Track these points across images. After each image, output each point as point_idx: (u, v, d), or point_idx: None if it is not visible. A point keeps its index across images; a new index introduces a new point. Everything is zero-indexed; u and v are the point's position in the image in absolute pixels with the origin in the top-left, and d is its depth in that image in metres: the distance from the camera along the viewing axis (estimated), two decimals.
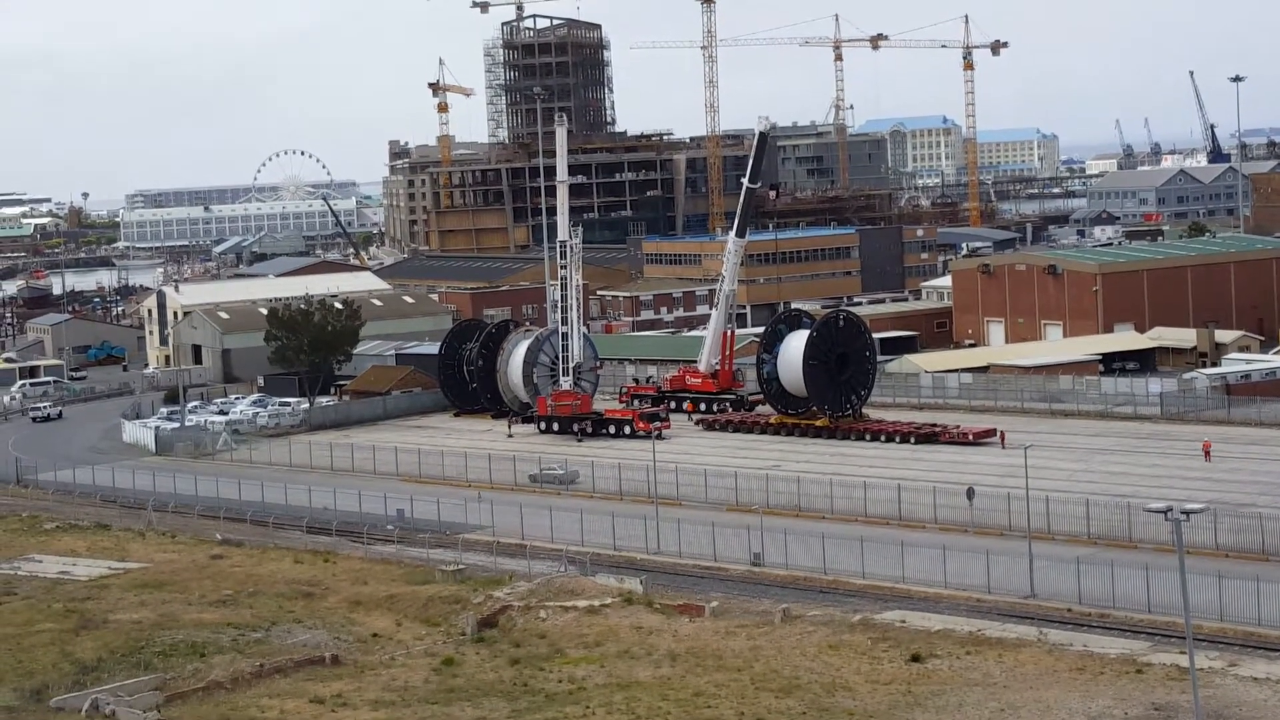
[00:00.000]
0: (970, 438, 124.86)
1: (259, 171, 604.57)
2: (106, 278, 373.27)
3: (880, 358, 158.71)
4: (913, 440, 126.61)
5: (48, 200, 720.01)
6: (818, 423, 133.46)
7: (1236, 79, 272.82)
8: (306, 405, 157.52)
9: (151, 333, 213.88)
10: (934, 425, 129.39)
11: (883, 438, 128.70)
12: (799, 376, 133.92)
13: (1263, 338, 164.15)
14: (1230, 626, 73.26)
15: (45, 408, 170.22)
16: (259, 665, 72.69)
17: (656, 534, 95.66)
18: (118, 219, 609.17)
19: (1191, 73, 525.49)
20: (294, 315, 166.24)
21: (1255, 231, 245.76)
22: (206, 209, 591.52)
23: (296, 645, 76.15)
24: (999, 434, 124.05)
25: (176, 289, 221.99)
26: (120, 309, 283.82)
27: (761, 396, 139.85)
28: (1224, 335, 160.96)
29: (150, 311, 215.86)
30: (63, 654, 76.28)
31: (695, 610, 78.71)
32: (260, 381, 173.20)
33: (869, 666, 69.17)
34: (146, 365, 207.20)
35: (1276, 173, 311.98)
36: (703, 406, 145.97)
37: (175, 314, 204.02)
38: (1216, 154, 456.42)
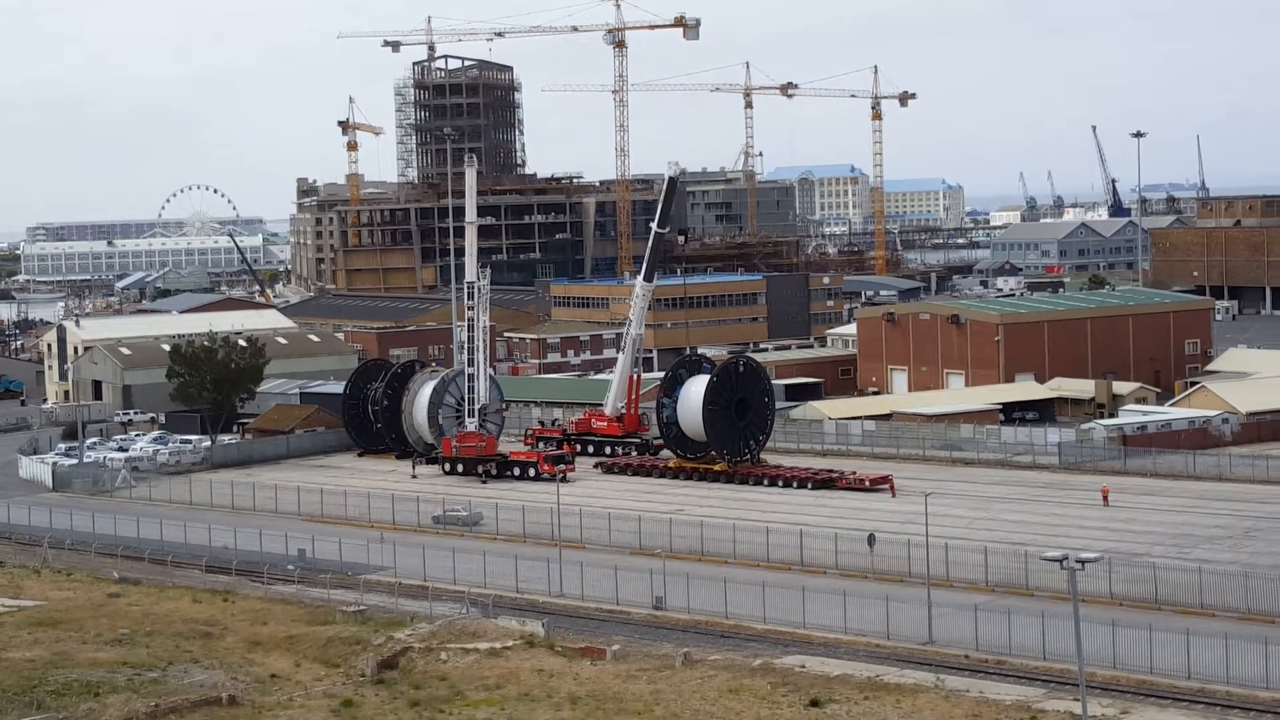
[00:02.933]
0: (867, 484, 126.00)
1: (164, 206, 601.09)
2: (5, 311, 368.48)
3: (785, 404, 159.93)
4: (810, 486, 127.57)
5: None
6: (716, 467, 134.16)
7: (1138, 135, 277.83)
8: (208, 443, 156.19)
9: (51, 367, 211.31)
10: (831, 471, 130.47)
11: (780, 483, 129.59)
12: (699, 421, 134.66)
13: (1159, 390, 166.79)
14: (1123, 674, 74.23)
15: None
16: (154, 705, 71.87)
17: (559, 576, 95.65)
18: (18, 251, 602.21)
19: (1094, 128, 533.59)
20: (197, 352, 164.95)
21: (1154, 285, 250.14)
22: (110, 243, 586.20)
23: (193, 685, 75.37)
24: (889, 482, 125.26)
25: (77, 323, 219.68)
26: (19, 343, 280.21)
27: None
28: (1122, 387, 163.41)
29: (50, 346, 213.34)
30: None
31: (597, 653, 78.74)
32: (161, 418, 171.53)
33: (768, 711, 69.46)
34: (45, 400, 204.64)
35: (1175, 228, 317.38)
36: (607, 450, 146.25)
37: (76, 349, 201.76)
38: (1117, 208, 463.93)
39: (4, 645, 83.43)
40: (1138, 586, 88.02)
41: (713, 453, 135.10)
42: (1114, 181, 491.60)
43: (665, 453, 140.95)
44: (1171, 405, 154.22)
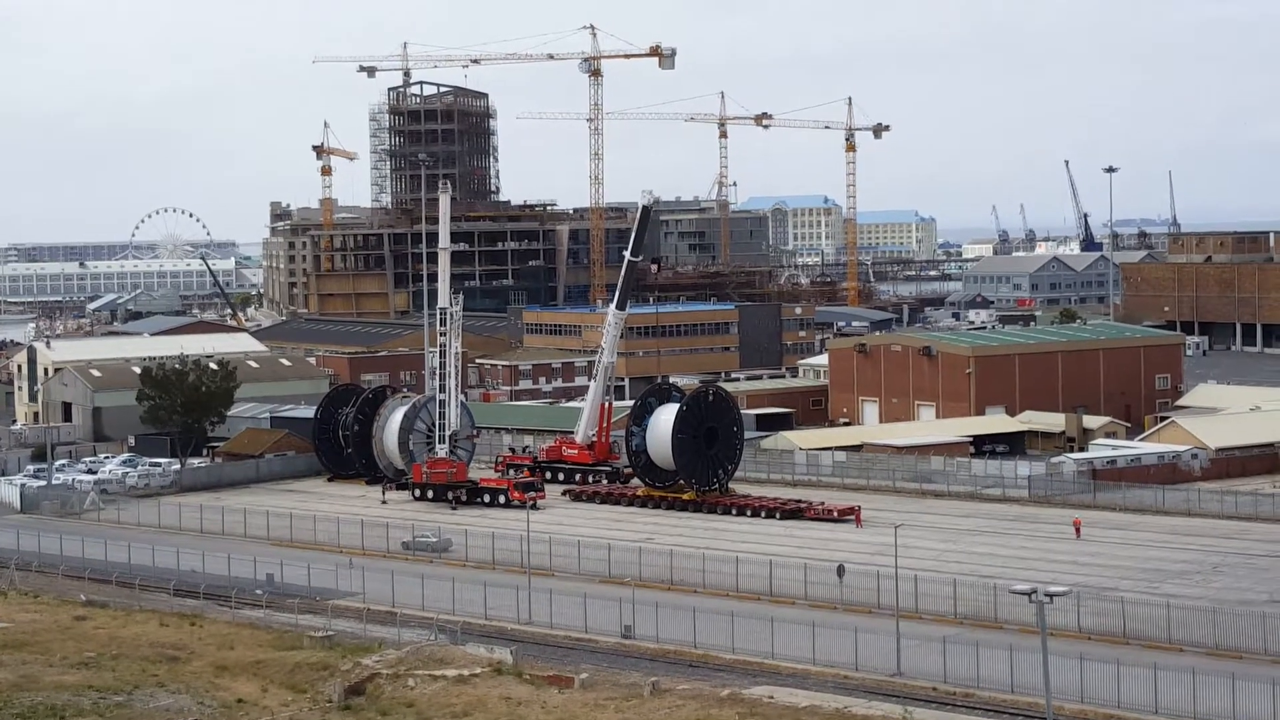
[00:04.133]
0: (834, 514, 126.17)
1: (137, 228, 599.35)
2: None
3: (756, 434, 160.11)
4: (778, 515, 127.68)
5: None
6: (685, 496, 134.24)
7: (1110, 170, 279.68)
8: (178, 466, 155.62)
9: (20, 388, 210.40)
10: (799, 501, 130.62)
11: (749, 512, 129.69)
12: (668, 450, 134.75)
13: (1129, 424, 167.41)
14: (1091, 709, 74.39)
15: None
16: None
17: (528, 604, 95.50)
18: None
19: (1067, 162, 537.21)
20: (168, 375, 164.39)
21: (1125, 320, 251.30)
22: (82, 265, 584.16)
23: (159, 710, 75.03)
24: (856, 513, 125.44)
25: (48, 345, 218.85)
26: None
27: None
28: (1092, 421, 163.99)
29: (20, 367, 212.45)
30: None
31: (565, 681, 78.61)
32: (131, 441, 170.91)
33: None
34: (14, 421, 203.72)
35: (1146, 263, 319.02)
36: (577, 478, 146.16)
37: (45, 370, 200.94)
38: (1089, 242, 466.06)
39: None
40: (1106, 620, 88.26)
41: (681, 481, 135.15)
42: (1086, 216, 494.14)
43: (636, 481, 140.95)
44: (1141, 440, 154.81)
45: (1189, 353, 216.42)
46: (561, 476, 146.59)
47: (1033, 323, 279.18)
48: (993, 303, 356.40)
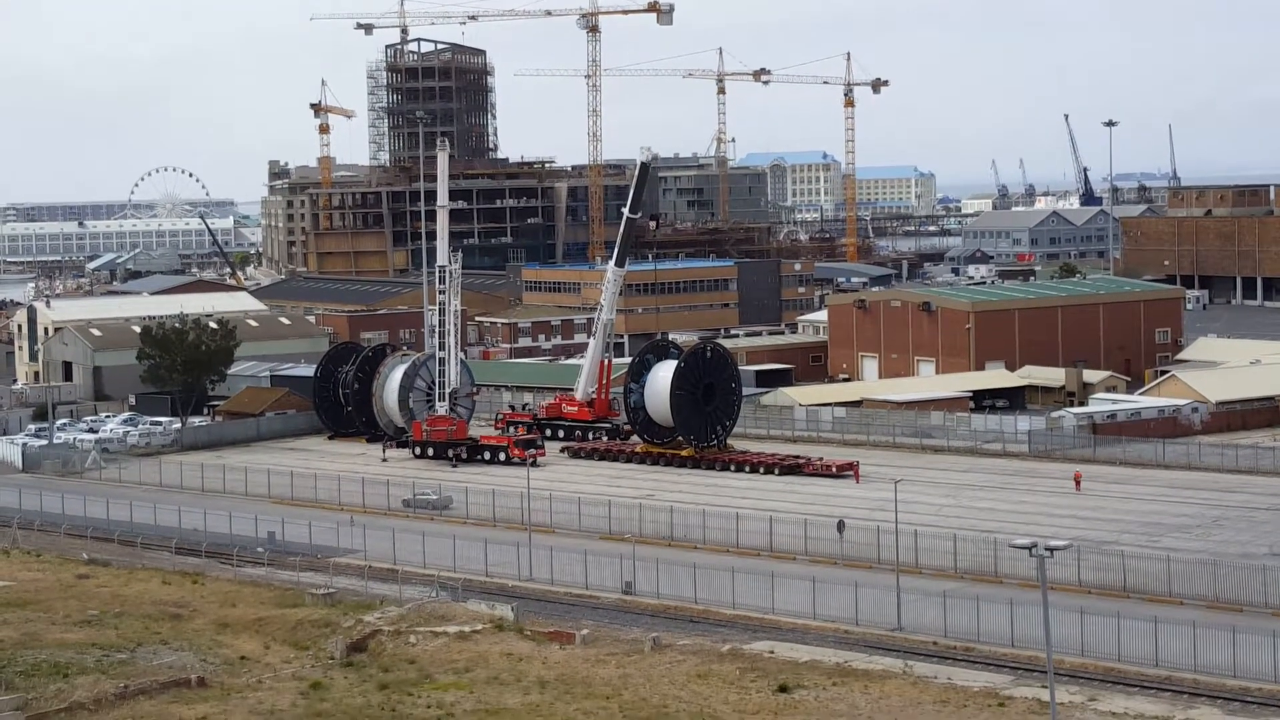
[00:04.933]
0: (833, 470, 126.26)
1: (135, 187, 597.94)
2: None
3: (756, 390, 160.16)
4: (777, 471, 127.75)
5: None
6: (683, 453, 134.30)
7: (1110, 124, 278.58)
8: (178, 425, 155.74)
9: (21, 348, 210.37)
10: (797, 457, 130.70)
11: (747, 468, 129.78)
12: (666, 406, 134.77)
13: (1129, 378, 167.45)
14: (1091, 662, 74.63)
15: None
16: (123, 686, 71.77)
17: (529, 561, 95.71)
18: None
19: (1066, 116, 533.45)
20: (168, 334, 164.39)
21: (1124, 274, 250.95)
22: (81, 224, 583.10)
23: (162, 667, 75.26)
24: (855, 469, 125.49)
25: (48, 304, 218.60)
26: None
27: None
28: (1092, 375, 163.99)
29: (20, 327, 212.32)
30: None
31: (566, 638, 78.86)
32: (132, 400, 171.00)
33: (737, 696, 69.67)
34: (15, 381, 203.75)
35: (1146, 217, 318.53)
36: (578, 435, 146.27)
37: (46, 330, 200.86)
38: (1089, 197, 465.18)
39: None
40: (1106, 574, 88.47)
41: (680, 438, 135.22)
42: (1086, 170, 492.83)
43: (635, 438, 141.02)
44: (1141, 394, 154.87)
45: (1189, 307, 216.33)
46: (561, 434, 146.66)
47: (1032, 277, 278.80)
48: (992, 258, 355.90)
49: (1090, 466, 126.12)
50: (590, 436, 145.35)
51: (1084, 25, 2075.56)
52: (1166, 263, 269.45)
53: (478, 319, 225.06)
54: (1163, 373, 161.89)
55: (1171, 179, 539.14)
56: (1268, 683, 70.66)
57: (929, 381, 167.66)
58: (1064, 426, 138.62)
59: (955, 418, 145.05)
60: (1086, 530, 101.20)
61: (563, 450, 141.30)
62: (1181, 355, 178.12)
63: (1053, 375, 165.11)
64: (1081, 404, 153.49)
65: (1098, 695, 69.45)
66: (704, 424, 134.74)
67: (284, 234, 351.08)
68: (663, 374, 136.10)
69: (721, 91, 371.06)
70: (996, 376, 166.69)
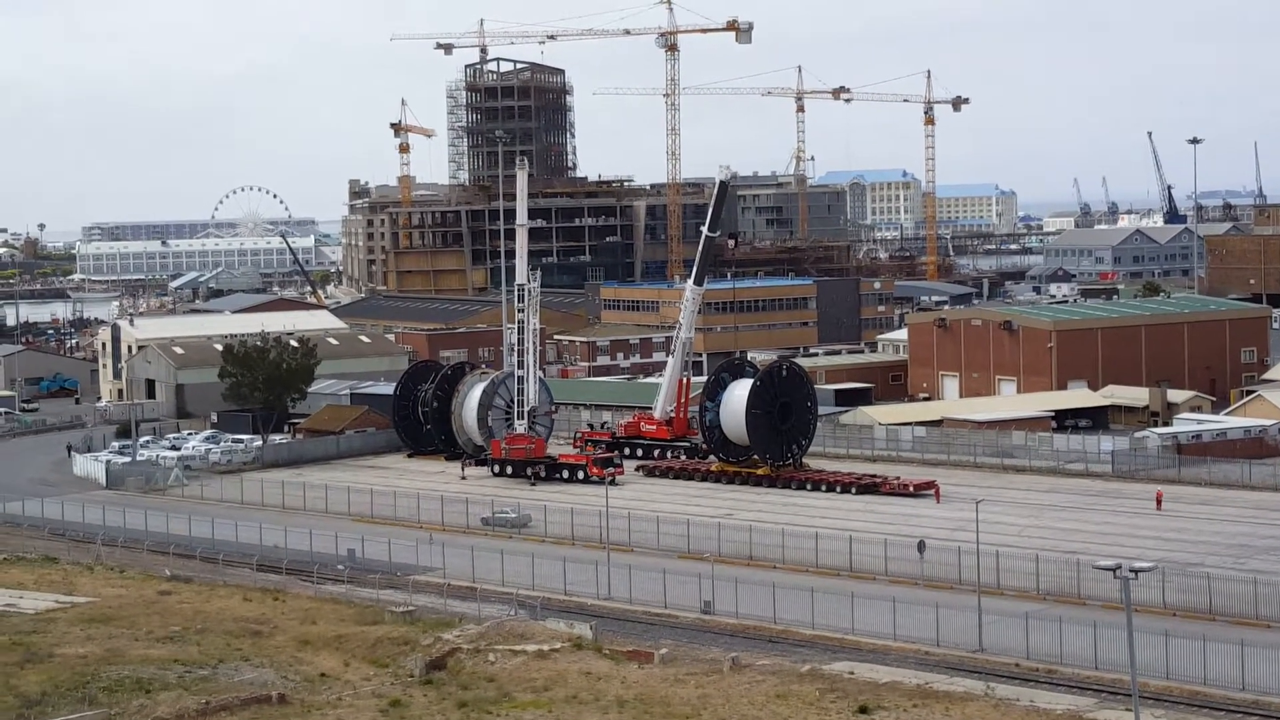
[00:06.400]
0: (910, 489, 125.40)
1: (218, 207, 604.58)
2: (61, 310, 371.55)
3: (835, 409, 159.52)
4: (854, 490, 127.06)
5: (3, 231, 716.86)
6: (759, 471, 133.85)
7: (1194, 141, 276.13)
8: (259, 442, 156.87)
9: (105, 366, 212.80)
10: (874, 476, 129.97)
11: (824, 487, 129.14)
12: (741, 425, 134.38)
13: (1214, 398, 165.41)
14: (1176, 685, 73.61)
15: None
16: (205, 703, 72.16)
17: (608, 579, 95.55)
18: (74, 251, 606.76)
19: (1150, 134, 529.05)
20: (249, 352, 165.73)
21: (1209, 293, 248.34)
22: (164, 243, 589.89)
23: (243, 683, 75.62)
24: (935, 488, 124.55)
25: (131, 323, 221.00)
26: (74, 341, 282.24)
27: None
28: (1176, 395, 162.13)
29: (104, 345, 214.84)
30: (7, 687, 75.50)
31: (644, 657, 78.59)
32: (214, 417, 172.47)
33: (817, 717, 69.16)
34: (99, 398, 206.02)
35: (1231, 235, 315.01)
36: (656, 453, 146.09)
37: (130, 348, 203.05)
38: (1173, 215, 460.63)
39: (57, 642, 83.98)
40: (1192, 597, 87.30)
41: (755, 457, 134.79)
42: (1170, 188, 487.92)
43: (712, 457, 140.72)
44: (1227, 414, 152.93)
45: (1275, 325, 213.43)
46: (640, 452, 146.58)
47: (1115, 296, 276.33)
48: (1074, 276, 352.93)
49: (1175, 487, 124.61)
50: (669, 455, 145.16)
51: (1169, 39, 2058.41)
52: (1252, 281, 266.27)
53: (556, 337, 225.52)
54: (1249, 392, 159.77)
55: (1257, 196, 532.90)
56: None
57: (1010, 401, 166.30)
58: (1148, 447, 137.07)
59: (1037, 437, 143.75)
60: (1171, 552, 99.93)
61: (637, 469, 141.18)
62: (1268, 375, 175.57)
63: (1136, 395, 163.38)
64: (1166, 424, 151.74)
65: (1183, 719, 68.43)
66: (779, 443, 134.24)
67: (364, 252, 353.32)
68: (738, 393, 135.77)
69: (801, 109, 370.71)
70: (1079, 396, 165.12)
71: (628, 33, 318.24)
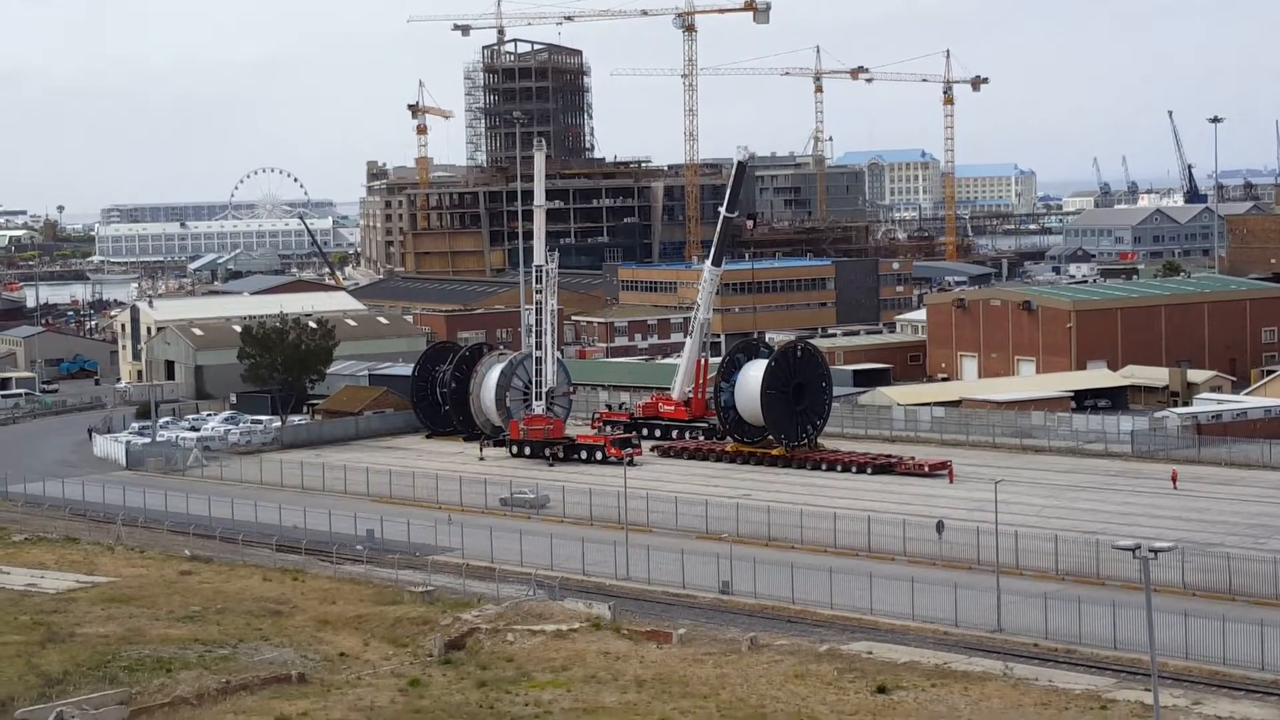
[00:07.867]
0: (926, 469, 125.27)
1: (236, 189, 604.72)
2: (80, 291, 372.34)
3: (853, 390, 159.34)
4: (869, 470, 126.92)
5: (23, 213, 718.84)
6: (774, 452, 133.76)
7: (1215, 120, 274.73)
8: (278, 423, 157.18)
9: (124, 347, 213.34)
10: (889, 456, 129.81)
11: (839, 467, 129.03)
12: (756, 405, 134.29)
13: (1235, 378, 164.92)
14: (1195, 665, 73.49)
15: None
16: (225, 682, 72.46)
17: (626, 560, 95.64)
18: (93, 233, 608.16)
19: (1170, 113, 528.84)
20: (268, 333, 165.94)
21: (1230, 272, 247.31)
22: (182, 225, 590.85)
23: (263, 663, 75.92)
24: (948, 467, 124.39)
25: (150, 304, 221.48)
26: (94, 323, 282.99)
27: None
28: (1196, 375, 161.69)
29: (124, 326, 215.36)
30: (29, 666, 75.89)
31: (663, 637, 78.70)
32: (233, 398, 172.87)
33: (835, 697, 69.22)
34: (119, 380, 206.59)
35: (1252, 215, 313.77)
36: (674, 434, 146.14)
37: (149, 329, 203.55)
38: (1193, 194, 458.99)
39: (78, 621, 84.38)
40: (1211, 577, 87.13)
41: (770, 437, 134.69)
42: (1190, 167, 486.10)
43: (727, 437, 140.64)
44: (1247, 394, 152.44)
45: None
46: (658, 433, 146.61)
47: (1135, 276, 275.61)
48: (1094, 256, 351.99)
49: (1194, 467, 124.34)
50: (687, 436, 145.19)
51: (1188, 17, 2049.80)
52: (1273, 260, 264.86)
53: (574, 318, 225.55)
54: (1269, 372, 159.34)
55: (1278, 176, 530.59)
56: None
57: (1029, 381, 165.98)
58: (1168, 427, 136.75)
59: (1056, 418, 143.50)
60: (1191, 532, 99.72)
61: (653, 449, 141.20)
62: None
63: (1156, 375, 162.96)
64: (1186, 404, 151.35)
65: (1202, 699, 68.33)
66: (794, 423, 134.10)
67: (382, 234, 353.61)
68: (753, 373, 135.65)
69: (819, 90, 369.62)
70: (1098, 376, 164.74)
71: (645, 13, 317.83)
